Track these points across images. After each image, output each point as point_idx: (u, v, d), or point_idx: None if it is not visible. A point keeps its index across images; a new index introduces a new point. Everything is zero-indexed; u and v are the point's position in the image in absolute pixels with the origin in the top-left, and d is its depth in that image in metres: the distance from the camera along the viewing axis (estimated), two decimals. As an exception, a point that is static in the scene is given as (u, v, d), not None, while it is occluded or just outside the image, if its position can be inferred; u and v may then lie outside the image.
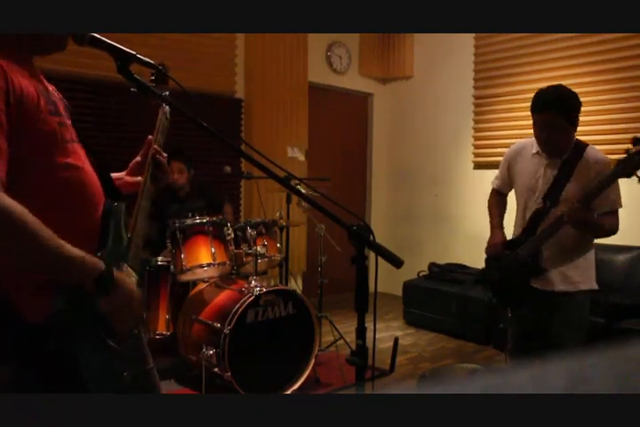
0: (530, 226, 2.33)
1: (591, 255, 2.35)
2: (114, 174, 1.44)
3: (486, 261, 2.56)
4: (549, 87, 2.24)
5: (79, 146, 1.22)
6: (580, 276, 2.29)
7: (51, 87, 1.22)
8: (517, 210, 2.44)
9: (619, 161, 2.04)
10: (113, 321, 1.14)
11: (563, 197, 2.23)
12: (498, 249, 2.44)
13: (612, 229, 2.26)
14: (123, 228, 1.24)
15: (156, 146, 1.45)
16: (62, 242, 1.02)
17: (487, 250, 2.50)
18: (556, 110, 2.16)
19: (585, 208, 2.08)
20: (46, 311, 1.07)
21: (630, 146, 2.02)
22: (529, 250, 2.30)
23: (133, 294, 1.17)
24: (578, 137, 2.35)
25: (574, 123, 2.24)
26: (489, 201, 2.64)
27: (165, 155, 1.47)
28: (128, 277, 1.18)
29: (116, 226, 1.22)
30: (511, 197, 2.62)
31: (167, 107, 1.50)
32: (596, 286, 2.32)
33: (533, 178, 2.33)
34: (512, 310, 2.49)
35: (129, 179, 1.49)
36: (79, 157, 1.20)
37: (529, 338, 2.44)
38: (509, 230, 2.51)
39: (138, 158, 1.50)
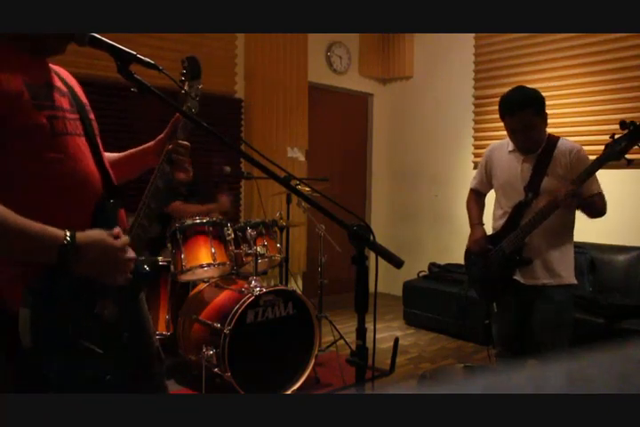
0: (512, 219, 2.37)
1: (571, 250, 2.39)
2: (142, 146, 1.47)
3: (466, 257, 2.59)
4: (512, 90, 2.32)
5: (81, 139, 1.23)
6: (563, 270, 2.34)
7: (59, 83, 1.25)
8: (496, 207, 2.50)
9: (607, 145, 2.11)
10: (99, 280, 1.12)
11: (542, 188, 2.29)
12: (480, 244, 2.47)
13: (600, 208, 2.30)
14: (115, 226, 1.22)
15: (185, 143, 1.42)
16: (25, 220, 1.01)
17: (470, 246, 2.54)
18: (528, 108, 2.22)
19: (578, 188, 2.14)
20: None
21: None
22: (513, 242, 2.33)
23: (104, 247, 1.10)
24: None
25: (545, 117, 2.31)
26: (467, 202, 2.71)
27: (183, 154, 1.42)
28: (95, 231, 1.12)
29: (108, 223, 1.20)
30: (488, 199, 2.66)
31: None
32: (576, 282, 2.37)
33: (512, 174, 2.39)
34: (498, 304, 2.52)
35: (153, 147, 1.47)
36: (75, 150, 1.20)
37: (515, 336, 2.45)
38: (488, 229, 2.55)
39: (162, 135, 1.50)
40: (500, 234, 2.41)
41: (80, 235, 1.07)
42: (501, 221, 2.42)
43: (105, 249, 1.11)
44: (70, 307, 1.12)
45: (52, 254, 1.03)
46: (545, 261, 2.32)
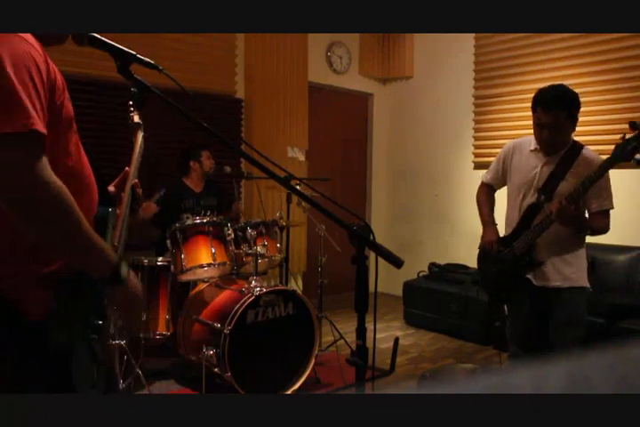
0: (524, 220, 2.37)
1: (583, 254, 2.39)
2: None
3: (479, 257, 2.58)
4: (554, 86, 2.27)
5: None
6: (573, 273, 2.33)
7: None
8: (510, 206, 2.48)
9: (617, 145, 2.07)
10: (122, 312, 1.20)
11: (557, 192, 2.28)
12: (493, 246, 2.46)
13: (601, 229, 2.30)
14: (109, 235, 1.23)
15: (135, 180, 1.39)
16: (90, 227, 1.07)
17: (483, 247, 2.53)
18: (563, 109, 2.20)
19: (572, 206, 2.13)
20: (46, 308, 1.07)
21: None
22: (524, 243, 2.33)
23: (139, 287, 1.21)
24: (577, 136, 2.37)
25: (575, 122, 2.28)
26: (478, 196, 2.65)
27: (140, 190, 1.42)
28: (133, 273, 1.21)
29: (107, 232, 1.21)
30: (499, 195, 2.64)
31: (142, 132, 1.44)
32: (588, 285, 2.36)
33: (530, 174, 2.37)
34: (508, 306, 2.51)
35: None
36: (82, 149, 1.21)
37: (529, 335, 2.45)
38: (500, 227, 2.54)
39: (112, 188, 1.44)
40: (513, 234, 2.41)
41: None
42: (514, 222, 2.41)
43: (138, 284, 1.21)
44: (93, 310, 1.16)
45: (108, 267, 1.10)
46: (556, 263, 2.32)
